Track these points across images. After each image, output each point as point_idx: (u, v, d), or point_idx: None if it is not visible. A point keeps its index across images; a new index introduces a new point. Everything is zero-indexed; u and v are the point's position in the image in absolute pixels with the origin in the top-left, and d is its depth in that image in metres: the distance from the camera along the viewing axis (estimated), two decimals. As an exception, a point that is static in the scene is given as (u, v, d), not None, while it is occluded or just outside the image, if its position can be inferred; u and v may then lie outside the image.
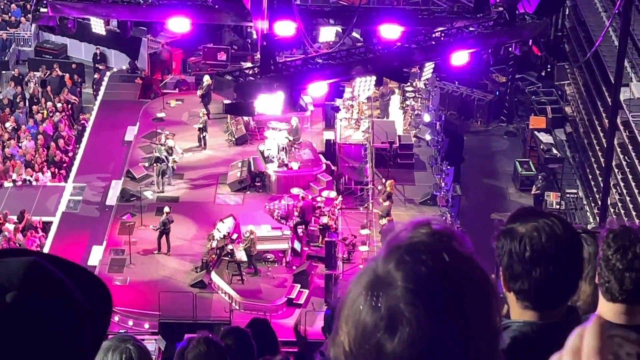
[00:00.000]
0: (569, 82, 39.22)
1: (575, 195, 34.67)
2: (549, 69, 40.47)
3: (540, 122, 37.09)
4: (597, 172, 33.70)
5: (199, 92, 36.36)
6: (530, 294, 3.65)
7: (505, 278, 3.68)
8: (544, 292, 3.64)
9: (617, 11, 31.87)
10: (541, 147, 36.07)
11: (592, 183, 34.41)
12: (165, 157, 32.27)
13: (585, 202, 34.64)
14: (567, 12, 39.76)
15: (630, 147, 32.28)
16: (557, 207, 33.61)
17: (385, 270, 2.29)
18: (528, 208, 3.79)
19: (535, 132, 36.75)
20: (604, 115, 33.73)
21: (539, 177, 34.50)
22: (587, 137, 35.84)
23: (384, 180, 32.16)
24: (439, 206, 31.92)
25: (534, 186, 34.36)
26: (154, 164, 32.21)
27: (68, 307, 2.32)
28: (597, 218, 32.42)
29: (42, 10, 31.33)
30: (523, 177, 35.48)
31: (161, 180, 32.26)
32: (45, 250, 30.25)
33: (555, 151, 35.94)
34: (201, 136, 34.37)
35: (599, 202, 31.04)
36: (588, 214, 34.06)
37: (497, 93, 39.46)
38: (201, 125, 34.28)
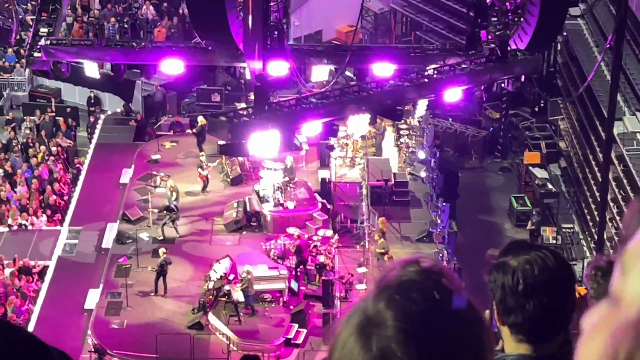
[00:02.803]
0: (562, 117, 39.32)
1: (572, 230, 34.66)
2: (542, 105, 40.60)
3: (535, 157, 37.14)
4: (593, 206, 33.73)
5: (194, 131, 36.41)
6: (524, 327, 3.65)
7: (499, 312, 3.68)
8: (538, 325, 3.64)
9: (608, 46, 32.06)
10: (536, 182, 36.11)
11: (588, 217, 34.43)
12: (175, 205, 32.26)
13: (581, 237, 34.63)
14: (559, 48, 39.95)
15: (625, 181, 32.32)
16: (554, 242, 33.59)
17: (375, 310, 2.27)
18: (520, 241, 3.79)
19: (530, 168, 36.81)
20: (598, 149, 33.81)
21: (535, 212, 34.51)
22: (582, 172, 35.90)
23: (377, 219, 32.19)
24: (436, 243, 31.89)
25: (529, 221, 34.35)
26: (166, 214, 32.13)
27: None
28: (594, 252, 32.43)
29: (35, 54, 31.44)
30: (519, 212, 35.49)
31: (172, 225, 32.21)
32: (42, 294, 30.20)
33: (550, 186, 35.97)
34: (204, 176, 34.40)
35: (595, 237, 31.09)
36: (585, 248, 34.04)
37: (491, 129, 39.55)
38: (210, 165, 34.49)
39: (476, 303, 2.36)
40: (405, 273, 2.32)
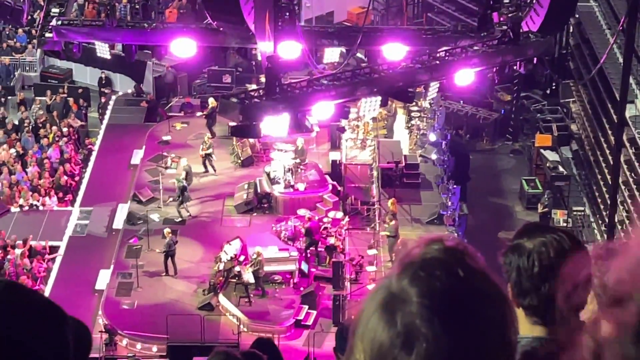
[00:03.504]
0: (574, 99, 39.21)
1: (582, 213, 34.61)
2: (554, 87, 40.46)
3: (546, 140, 37.06)
4: (604, 189, 33.66)
5: (202, 113, 36.40)
6: (539, 309, 3.63)
7: (514, 294, 3.66)
8: (552, 308, 3.62)
9: (621, 28, 31.90)
10: (547, 165, 36.04)
11: (599, 200, 34.36)
12: (185, 185, 32.29)
13: (592, 220, 34.58)
14: (571, 30, 39.77)
15: (636, 164, 32.24)
16: (564, 224, 33.55)
17: (399, 287, 2.28)
18: (535, 223, 3.78)
19: (541, 150, 36.73)
20: (609, 132, 33.72)
21: (546, 195, 34.46)
22: (593, 155, 35.81)
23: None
24: (446, 225, 31.86)
25: (540, 204, 34.29)
26: (181, 195, 32.14)
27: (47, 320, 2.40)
28: (605, 235, 32.38)
29: (47, 35, 31.46)
30: (530, 195, 35.44)
31: (184, 205, 32.26)
32: (53, 274, 30.29)
33: (561, 169, 35.90)
34: (207, 162, 34.24)
35: (606, 220, 31.03)
36: (595, 231, 33.99)
37: (503, 112, 39.45)
38: (209, 151, 34.20)
39: (500, 281, 2.36)
40: (429, 251, 2.32)
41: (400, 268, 2.31)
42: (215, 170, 34.38)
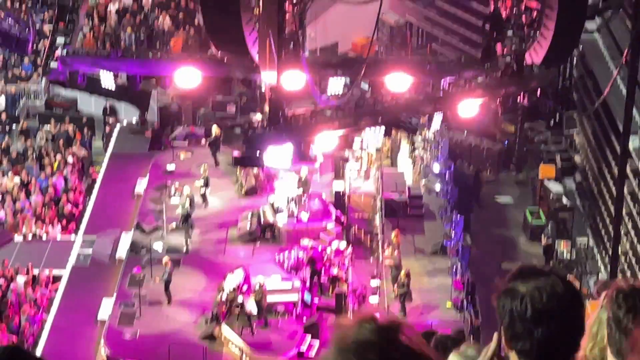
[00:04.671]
0: (578, 131, 39.22)
1: (586, 244, 34.54)
2: (557, 118, 40.47)
3: (550, 171, 37.04)
4: (608, 220, 33.62)
5: (206, 141, 36.45)
6: (532, 353, 3.63)
7: (507, 337, 3.66)
8: (545, 352, 3.62)
9: (624, 60, 31.96)
10: (551, 196, 36.00)
11: (603, 232, 34.30)
12: (189, 212, 32.33)
13: (596, 251, 34.51)
14: (575, 62, 39.82)
15: (640, 196, 32.21)
16: (568, 255, 33.50)
17: None
18: (529, 267, 3.77)
19: (545, 181, 36.70)
20: (613, 163, 33.69)
21: (549, 226, 34.41)
22: (597, 186, 35.78)
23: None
24: (449, 256, 31.84)
25: (543, 235, 34.24)
26: (184, 222, 32.17)
27: None
28: (608, 267, 32.31)
29: (52, 64, 31.61)
30: (533, 226, 35.39)
31: (190, 233, 32.32)
32: (56, 303, 30.24)
33: (565, 200, 35.87)
34: (201, 193, 34.17)
35: (610, 251, 30.98)
36: (599, 263, 33.92)
37: (506, 143, 39.47)
38: (202, 183, 34.15)
39: (437, 356, 2.31)
40: (362, 332, 2.28)
41: (335, 350, 2.27)
42: (205, 203, 34.17)
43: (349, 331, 2.28)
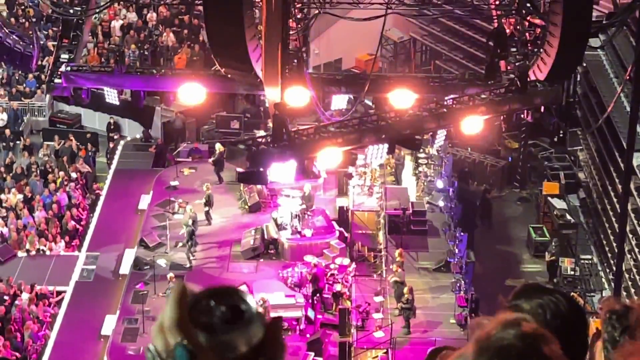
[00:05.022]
0: (581, 147, 39.22)
1: (590, 261, 34.49)
2: (561, 135, 40.46)
3: (554, 188, 37.02)
4: (611, 237, 33.57)
5: (211, 160, 36.52)
6: None
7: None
8: None
9: (628, 77, 31.99)
10: (555, 213, 35.97)
11: (607, 249, 34.26)
12: (193, 229, 32.35)
13: (600, 268, 34.46)
14: (578, 79, 39.84)
15: (644, 213, 32.17)
16: (572, 272, 33.45)
17: None
18: (532, 284, 3.75)
19: (549, 198, 36.68)
20: (617, 180, 33.68)
21: (553, 243, 34.36)
22: (601, 203, 35.75)
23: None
24: (453, 273, 31.78)
25: (547, 252, 34.20)
26: (189, 239, 32.19)
27: None
28: (613, 284, 32.26)
29: (56, 81, 31.63)
30: (537, 243, 35.33)
31: (194, 250, 32.34)
32: (59, 320, 30.21)
33: (569, 217, 35.82)
34: (205, 210, 34.14)
35: (614, 268, 30.92)
36: (603, 280, 33.87)
37: (510, 159, 39.47)
38: (203, 201, 34.12)
39: None
40: (506, 336, 2.27)
41: (476, 350, 2.26)
42: (210, 222, 34.16)
43: (492, 332, 2.28)
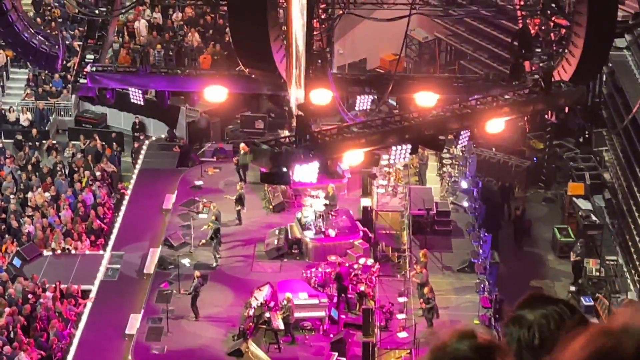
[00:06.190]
0: (607, 148, 39.03)
1: (615, 262, 34.31)
2: (586, 135, 40.31)
3: (579, 188, 36.86)
4: (637, 238, 33.42)
5: (235, 160, 36.62)
6: None
7: (515, 365, 3.65)
8: None
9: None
10: (580, 213, 35.82)
11: (632, 250, 34.09)
12: (219, 227, 32.48)
13: (625, 269, 34.29)
14: (604, 79, 39.69)
15: (669, 214, 31.99)
16: (597, 274, 33.31)
17: None
18: (537, 294, 3.76)
19: (574, 199, 36.53)
20: (642, 181, 33.51)
21: (578, 243, 34.23)
22: (626, 204, 35.58)
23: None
24: (477, 273, 31.73)
25: (572, 253, 34.07)
26: (215, 237, 32.31)
27: None
28: (638, 285, 32.11)
29: (81, 81, 31.78)
30: (562, 243, 35.20)
31: (219, 249, 32.49)
32: (84, 319, 30.36)
33: (594, 218, 35.66)
34: (237, 209, 34.23)
35: (639, 269, 30.78)
36: (628, 281, 33.70)
37: (535, 159, 39.34)
38: (237, 197, 34.22)
39: None
40: (461, 347, 2.30)
41: (431, 359, 2.29)
42: (240, 222, 34.28)
43: (447, 344, 2.31)
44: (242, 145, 36.29)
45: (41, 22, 43.30)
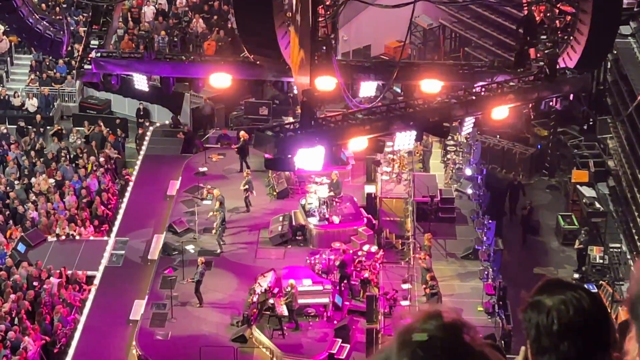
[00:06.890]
0: (611, 135, 39.02)
1: (619, 250, 34.34)
2: (591, 123, 40.29)
3: (583, 175, 36.86)
4: (641, 226, 33.43)
5: (236, 147, 36.58)
6: None
7: (533, 351, 3.66)
8: None
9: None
10: (584, 201, 35.82)
11: (636, 237, 34.11)
12: (224, 214, 32.54)
13: (629, 257, 34.31)
14: (608, 66, 39.65)
15: (674, 201, 31.99)
16: (601, 261, 33.33)
17: None
18: (555, 280, 3.76)
19: (578, 186, 36.53)
20: (647, 169, 33.51)
21: (582, 231, 34.24)
22: (631, 191, 35.58)
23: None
24: (481, 260, 31.75)
25: (576, 240, 34.09)
26: (221, 224, 32.36)
27: None
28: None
29: (86, 67, 31.74)
30: (566, 231, 35.22)
31: (223, 234, 32.56)
32: (88, 304, 30.42)
33: (598, 205, 35.67)
34: (245, 197, 34.26)
35: (643, 257, 30.78)
36: (632, 268, 33.68)
37: (539, 147, 39.31)
38: (246, 187, 34.24)
39: (498, 358, 2.36)
40: (428, 327, 2.31)
41: (399, 344, 2.30)
42: (248, 209, 34.33)
43: (414, 325, 2.31)
44: (241, 132, 36.30)
45: (46, 7, 43.26)
